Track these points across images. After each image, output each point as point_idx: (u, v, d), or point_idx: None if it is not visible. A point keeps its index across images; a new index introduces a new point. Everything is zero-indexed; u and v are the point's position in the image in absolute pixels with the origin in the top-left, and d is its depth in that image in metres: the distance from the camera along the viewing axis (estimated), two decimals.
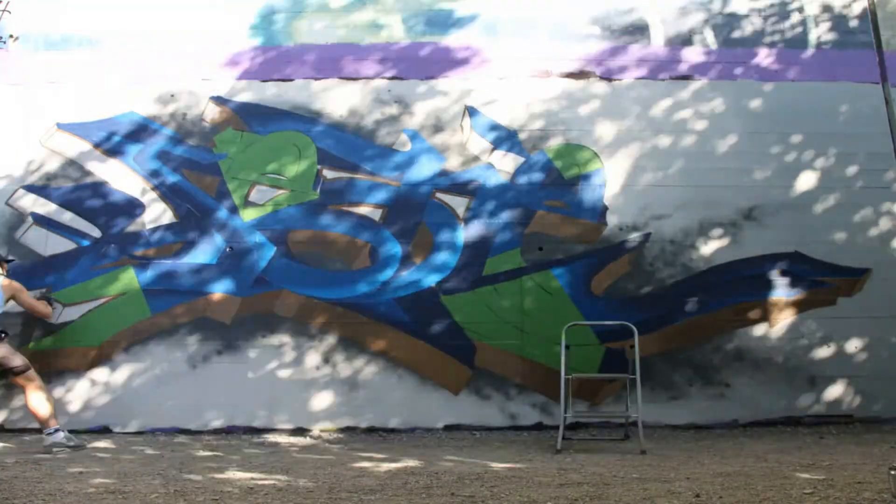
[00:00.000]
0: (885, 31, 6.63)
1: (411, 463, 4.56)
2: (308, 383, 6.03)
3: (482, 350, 6.08)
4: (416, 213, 6.27)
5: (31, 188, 6.31)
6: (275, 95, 6.50)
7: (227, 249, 6.19)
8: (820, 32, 6.74)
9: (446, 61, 6.60)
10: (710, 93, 6.57)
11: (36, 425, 5.49)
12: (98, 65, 6.53)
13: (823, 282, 6.26)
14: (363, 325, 6.09)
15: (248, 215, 6.25)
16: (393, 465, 4.47)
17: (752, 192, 6.38)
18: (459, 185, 6.35)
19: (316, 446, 5.49)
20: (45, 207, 6.26)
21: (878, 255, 6.31)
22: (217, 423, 5.93)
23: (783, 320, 6.19)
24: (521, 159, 6.41)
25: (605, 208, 6.33)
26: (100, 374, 5.98)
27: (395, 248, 6.21)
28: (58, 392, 5.90)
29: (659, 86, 6.58)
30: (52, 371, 5.93)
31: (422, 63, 6.59)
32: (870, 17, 6.67)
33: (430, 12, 6.71)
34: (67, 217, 6.24)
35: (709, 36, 6.72)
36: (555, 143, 6.45)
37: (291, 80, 6.54)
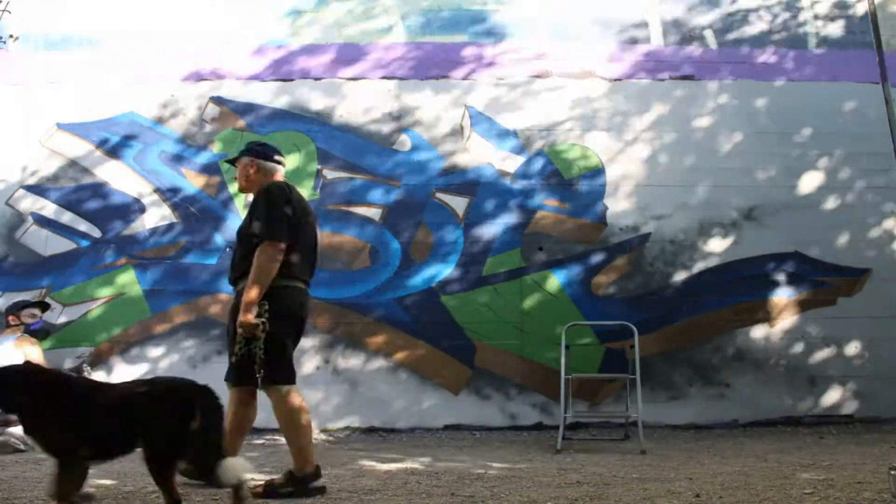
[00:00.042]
0: (885, 31, 6.62)
1: (411, 463, 4.56)
2: (308, 383, 6.02)
3: (482, 350, 6.08)
4: (416, 213, 6.27)
5: (31, 188, 6.31)
6: (275, 95, 6.50)
7: (227, 249, 6.19)
8: (820, 32, 6.74)
9: (447, 61, 6.60)
10: (710, 93, 6.58)
11: None
12: (98, 65, 6.53)
13: (823, 282, 6.26)
14: (363, 325, 6.10)
15: None
16: (393, 465, 4.47)
17: (753, 192, 6.38)
18: (459, 185, 6.35)
19: (316, 446, 5.48)
20: (45, 207, 6.26)
21: (878, 255, 6.31)
22: None
23: (783, 320, 6.19)
24: (521, 159, 6.41)
25: (605, 208, 6.33)
26: (100, 374, 5.97)
27: (395, 249, 6.21)
28: None
29: (659, 86, 6.58)
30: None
31: (422, 63, 6.59)
32: (870, 17, 6.68)
33: (431, 13, 6.71)
34: (67, 217, 6.25)
35: (709, 36, 6.72)
36: (555, 143, 6.45)
37: (292, 79, 6.54)
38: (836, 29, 6.76)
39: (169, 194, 6.29)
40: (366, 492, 3.64)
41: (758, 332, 6.18)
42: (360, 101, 6.51)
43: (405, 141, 6.44)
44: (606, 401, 6.03)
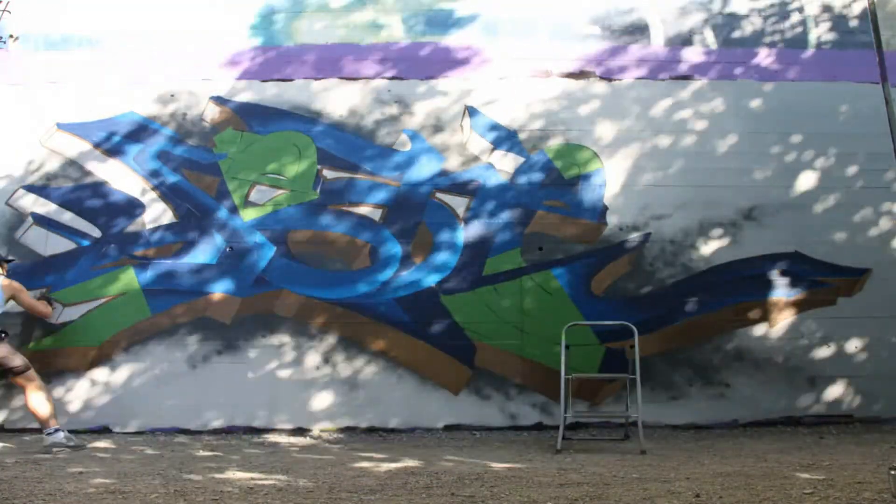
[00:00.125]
0: (885, 31, 6.62)
1: (411, 463, 4.56)
2: (308, 383, 6.03)
3: (482, 350, 6.08)
4: (416, 213, 6.27)
5: (31, 188, 6.31)
6: (275, 95, 6.50)
7: (227, 249, 6.19)
8: (820, 32, 6.74)
9: (446, 61, 6.60)
10: (710, 93, 6.57)
11: (36, 425, 5.48)
12: (98, 65, 6.53)
13: (823, 282, 6.26)
14: (363, 325, 6.09)
15: (248, 215, 6.25)
16: (393, 465, 4.47)
17: (752, 192, 6.38)
18: (459, 185, 6.35)
19: (316, 446, 5.49)
20: (45, 207, 6.26)
21: (878, 255, 6.31)
22: (217, 423, 5.93)
23: (783, 320, 6.19)
24: (521, 159, 6.41)
25: (605, 208, 6.33)
26: (100, 374, 5.98)
27: (395, 248, 6.21)
28: (58, 392, 5.90)
29: (659, 86, 6.58)
30: (52, 371, 5.93)
31: (422, 63, 6.59)
32: (870, 17, 6.67)
33: (430, 12, 6.71)
34: (67, 217, 6.24)
35: (709, 36, 6.72)
36: (555, 143, 6.45)
37: (291, 80, 6.54)
38: (835, 29, 6.75)
39: (169, 194, 6.29)
40: (366, 492, 3.65)
41: (758, 332, 6.18)
42: (360, 101, 6.50)
43: (405, 141, 6.44)
44: (606, 401, 6.03)
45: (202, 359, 6.03)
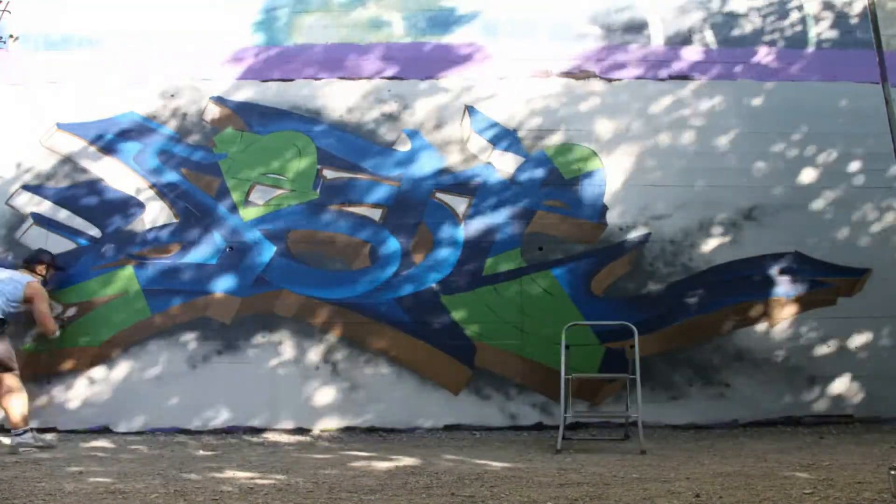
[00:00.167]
0: (885, 31, 6.63)
1: (411, 463, 4.56)
2: (308, 383, 6.03)
3: (482, 350, 6.08)
4: (416, 213, 6.27)
5: (31, 188, 6.31)
6: (275, 95, 6.50)
7: (227, 249, 6.19)
8: (820, 32, 6.74)
9: (446, 61, 6.60)
10: (709, 92, 6.57)
11: (36, 426, 5.50)
12: (98, 65, 6.53)
13: (823, 282, 6.26)
14: (363, 325, 6.09)
15: (248, 215, 6.25)
16: (393, 465, 4.47)
17: (752, 192, 6.38)
18: (459, 185, 6.35)
19: (316, 446, 5.49)
20: (45, 207, 6.26)
21: (878, 254, 6.31)
22: (217, 423, 5.93)
23: (783, 320, 6.19)
24: (521, 159, 6.41)
25: (605, 208, 6.33)
26: (100, 373, 5.97)
27: (395, 248, 6.21)
28: (58, 392, 5.90)
29: (659, 85, 6.58)
30: (53, 371, 5.93)
31: (422, 62, 6.59)
32: (870, 17, 6.67)
33: (430, 12, 6.71)
34: (67, 217, 6.24)
35: (708, 35, 6.72)
36: (555, 142, 6.45)
37: (291, 79, 6.54)
38: (835, 28, 6.75)
39: (169, 194, 6.29)
40: (366, 492, 3.65)
41: (758, 332, 6.18)
42: (359, 101, 6.50)
43: (405, 141, 6.44)
44: (606, 401, 6.03)
45: (202, 359, 6.03)
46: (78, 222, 6.23)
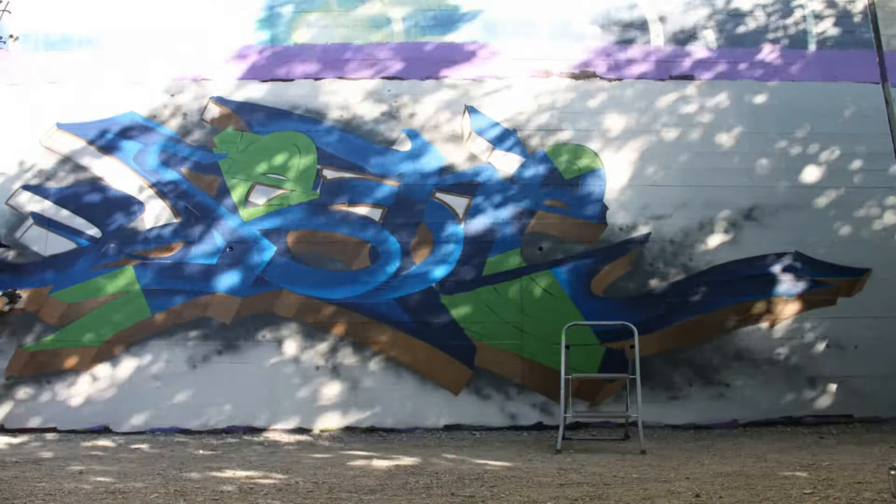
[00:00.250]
0: (885, 30, 6.63)
1: (411, 463, 4.56)
2: (308, 383, 6.03)
3: (482, 350, 6.08)
4: (416, 213, 6.27)
5: (31, 188, 6.31)
6: (275, 95, 6.50)
7: (227, 249, 6.19)
8: (821, 32, 6.74)
9: (446, 61, 6.60)
10: (710, 92, 6.57)
11: (35, 425, 5.50)
12: (98, 65, 6.53)
13: (823, 282, 6.26)
14: (363, 325, 6.09)
15: (248, 215, 6.25)
16: (393, 465, 4.47)
17: (753, 191, 6.38)
18: (459, 185, 6.35)
19: (316, 446, 5.49)
20: (45, 207, 6.26)
21: (878, 254, 6.31)
22: (217, 423, 5.93)
23: (783, 320, 6.19)
24: (521, 159, 6.41)
25: (605, 208, 6.33)
26: (100, 373, 5.98)
27: (395, 248, 6.21)
28: (58, 391, 5.90)
29: (660, 85, 6.58)
30: (53, 370, 5.94)
31: (422, 63, 6.59)
32: (870, 17, 6.68)
33: (431, 12, 6.71)
34: (67, 217, 6.24)
35: (709, 35, 6.72)
36: (555, 142, 6.45)
37: (291, 79, 6.54)
38: (835, 28, 6.75)
39: (169, 194, 6.29)
40: (366, 492, 3.65)
41: (758, 332, 6.18)
42: (359, 101, 6.50)
43: (405, 141, 6.44)
44: (606, 401, 6.03)
45: (202, 359, 6.03)
46: (78, 222, 6.23)
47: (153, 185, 6.30)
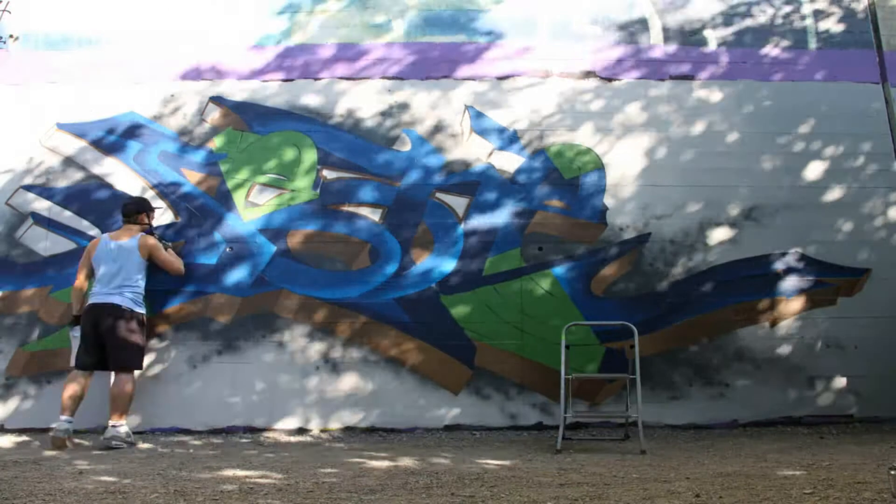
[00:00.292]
0: (885, 30, 6.64)
1: (411, 463, 4.56)
2: (308, 383, 6.03)
3: (482, 350, 6.08)
4: (416, 213, 6.27)
5: (30, 188, 6.31)
6: (275, 95, 6.50)
7: (227, 249, 6.19)
8: (821, 32, 6.74)
9: (446, 61, 6.60)
10: (710, 92, 6.57)
11: (36, 425, 5.50)
12: (98, 65, 6.53)
13: (823, 282, 6.26)
14: (363, 325, 6.09)
15: (248, 215, 6.26)
16: (393, 465, 4.47)
17: (753, 191, 6.38)
18: (459, 185, 6.35)
19: (316, 446, 5.49)
20: (45, 207, 6.26)
21: (879, 255, 6.31)
22: (217, 423, 5.93)
23: (783, 320, 6.19)
24: (521, 159, 6.41)
25: (605, 208, 6.33)
26: (99, 373, 5.97)
27: (394, 248, 6.21)
28: (58, 391, 5.89)
29: (659, 85, 6.58)
30: (53, 370, 5.94)
31: (422, 63, 6.59)
32: (870, 17, 6.68)
33: (431, 12, 6.71)
34: (67, 217, 6.24)
35: (710, 35, 6.72)
36: (555, 143, 6.45)
37: (292, 79, 6.54)
38: (836, 28, 6.75)
39: (169, 194, 6.29)
40: (366, 492, 3.65)
41: (758, 332, 6.18)
42: (359, 101, 6.51)
43: (405, 141, 6.44)
44: (606, 401, 6.03)
45: (202, 359, 6.03)
46: (78, 222, 6.23)
47: (153, 186, 6.30)
